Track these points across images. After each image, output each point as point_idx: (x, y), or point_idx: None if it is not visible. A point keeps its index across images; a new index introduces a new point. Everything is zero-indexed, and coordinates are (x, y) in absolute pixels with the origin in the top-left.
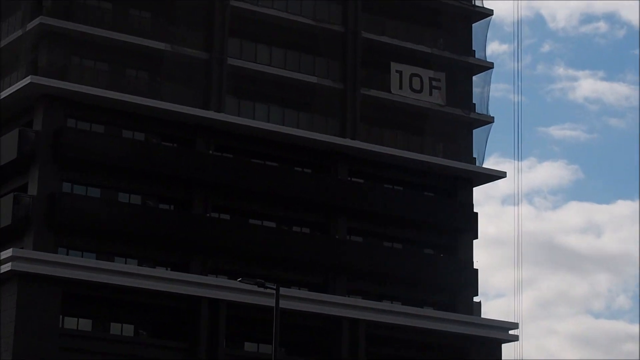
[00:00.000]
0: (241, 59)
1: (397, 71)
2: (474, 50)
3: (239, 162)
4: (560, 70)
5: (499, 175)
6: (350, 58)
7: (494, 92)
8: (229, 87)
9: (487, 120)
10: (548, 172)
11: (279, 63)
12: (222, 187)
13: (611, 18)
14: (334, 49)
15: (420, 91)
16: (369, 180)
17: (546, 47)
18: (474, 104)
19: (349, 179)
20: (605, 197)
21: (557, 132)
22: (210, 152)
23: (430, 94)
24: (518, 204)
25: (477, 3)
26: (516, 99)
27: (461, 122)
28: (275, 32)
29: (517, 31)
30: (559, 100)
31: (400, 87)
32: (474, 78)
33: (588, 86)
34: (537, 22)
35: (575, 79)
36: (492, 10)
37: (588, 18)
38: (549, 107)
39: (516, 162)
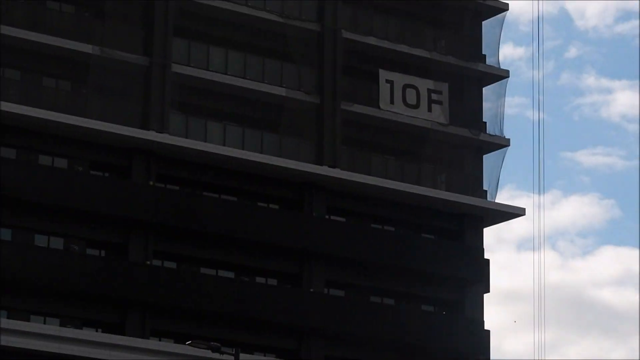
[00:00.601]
0: (189, 65)
1: (387, 81)
2: (485, 55)
3: (188, 195)
4: (591, 81)
5: (516, 212)
6: (328, 65)
7: (508, 109)
8: (174, 101)
9: (501, 144)
10: (576, 209)
11: (238, 71)
12: (166, 227)
13: None
14: (307, 54)
15: (417, 106)
16: (353, 219)
17: (573, 52)
18: (485, 122)
19: (328, 217)
20: None
21: (587, 158)
22: (151, 183)
23: (430, 109)
24: (539, 249)
25: None
26: (536, 117)
27: (468, 145)
28: (232, 31)
29: (537, 30)
30: (589, 118)
31: (392, 102)
32: (485, 90)
33: (626, 100)
34: (562, 20)
35: (609, 91)
36: (507, 4)
37: (626, 15)
38: (576, 127)
39: (536, 196)
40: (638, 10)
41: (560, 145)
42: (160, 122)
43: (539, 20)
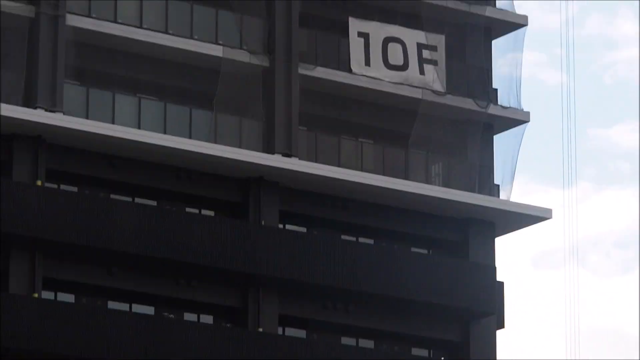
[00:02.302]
0: (90, 15)
1: (360, 34)
2: None
3: (89, 199)
4: (628, 27)
5: (540, 215)
6: (281, 13)
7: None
8: (69, 67)
9: (519, 119)
10: (612, 209)
11: (156, 22)
12: (57, 245)
13: None
14: None
15: (403, 68)
16: (316, 227)
17: None
18: (495, 90)
19: (282, 226)
20: None
21: (625, 137)
22: (39, 182)
23: (421, 72)
24: (571, 264)
25: None
26: (563, 80)
27: (474, 122)
28: None
29: None
30: (626, 80)
31: (368, 63)
32: (495, 43)
33: None
34: None
35: None
36: None
37: None
38: (610, 94)
39: (564, 190)
40: None
41: (588, 120)
42: (50, 97)
43: None
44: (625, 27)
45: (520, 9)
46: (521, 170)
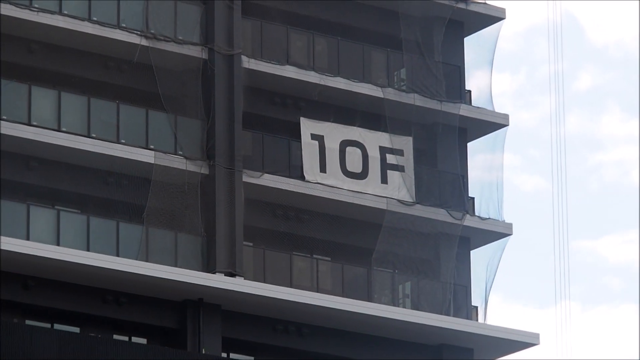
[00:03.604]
0: None
1: (314, 136)
2: (469, 92)
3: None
4: (614, 123)
5: (526, 341)
6: (221, 113)
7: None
8: None
9: (499, 232)
10: (602, 332)
11: (50, 118)
12: None
13: None
14: (187, 93)
15: (363, 176)
16: (265, 357)
17: (586, 79)
18: (472, 199)
19: (226, 356)
20: None
21: (615, 249)
22: None
23: (385, 180)
24: None
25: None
26: (553, 189)
27: (447, 236)
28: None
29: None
30: (615, 184)
31: (323, 170)
32: (471, 146)
33: None
34: (568, 32)
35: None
36: (504, 10)
37: None
38: (597, 201)
39: (556, 311)
40: None
41: (573, 231)
42: None
43: (554, 32)
44: (611, 125)
45: (497, 103)
46: (498, 289)
